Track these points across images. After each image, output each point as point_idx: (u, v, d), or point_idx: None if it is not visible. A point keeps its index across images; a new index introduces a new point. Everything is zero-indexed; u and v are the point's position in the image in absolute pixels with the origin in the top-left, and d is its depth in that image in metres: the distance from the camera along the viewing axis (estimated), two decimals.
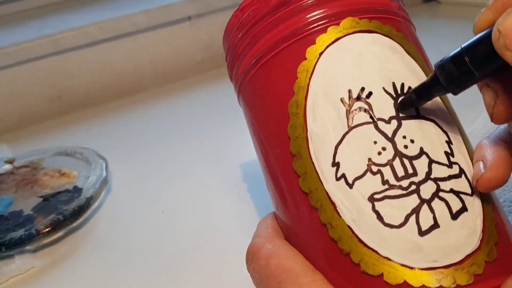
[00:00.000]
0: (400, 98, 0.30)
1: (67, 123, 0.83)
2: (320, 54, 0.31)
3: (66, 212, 0.55)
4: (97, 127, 0.80)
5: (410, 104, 0.30)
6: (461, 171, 0.29)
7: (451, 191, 0.28)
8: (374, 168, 0.29)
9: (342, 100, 0.30)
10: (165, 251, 0.50)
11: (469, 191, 0.29)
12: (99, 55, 0.85)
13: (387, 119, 0.30)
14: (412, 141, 0.29)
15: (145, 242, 0.52)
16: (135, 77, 0.88)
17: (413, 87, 0.31)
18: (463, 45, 0.27)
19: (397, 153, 0.29)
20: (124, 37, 0.86)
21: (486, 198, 0.30)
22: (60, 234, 0.54)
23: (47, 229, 0.53)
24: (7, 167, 0.67)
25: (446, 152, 0.30)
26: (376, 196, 0.28)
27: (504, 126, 0.31)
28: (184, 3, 0.87)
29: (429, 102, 0.31)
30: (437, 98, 0.32)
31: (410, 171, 0.28)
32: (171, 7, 0.86)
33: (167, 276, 0.47)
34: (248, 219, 0.51)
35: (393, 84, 0.31)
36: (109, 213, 0.58)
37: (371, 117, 0.30)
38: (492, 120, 0.29)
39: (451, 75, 0.28)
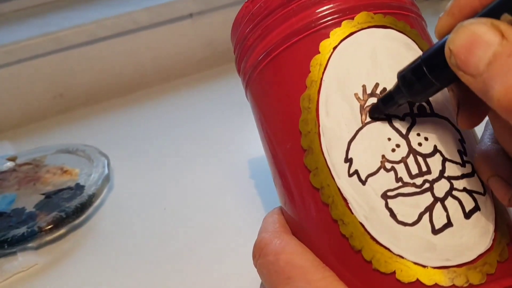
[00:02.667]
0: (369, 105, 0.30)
1: (69, 120, 0.82)
2: (334, 48, 0.31)
3: (69, 209, 0.54)
4: (99, 125, 0.80)
5: (378, 111, 0.30)
6: (474, 170, 0.29)
7: (464, 190, 0.28)
8: (388, 165, 0.28)
9: (356, 95, 0.30)
10: (167, 248, 0.50)
11: (482, 190, 0.29)
12: (100, 53, 0.85)
13: (401, 115, 0.29)
14: (426, 138, 0.29)
15: (148, 239, 0.52)
16: (137, 75, 0.88)
17: None
18: (422, 55, 0.27)
19: (411, 151, 0.28)
20: (126, 34, 0.85)
21: None
22: (62, 231, 0.54)
23: (49, 226, 0.52)
24: (10, 164, 0.66)
25: (459, 151, 0.29)
26: (389, 194, 0.28)
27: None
28: (186, 0, 0.86)
29: (442, 100, 0.30)
30: (449, 96, 0.31)
31: (424, 169, 0.28)
32: (173, 4, 0.86)
33: (170, 273, 0.47)
34: (255, 216, 0.51)
35: None
36: (111, 210, 0.58)
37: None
38: (457, 125, 0.29)
39: (412, 86, 0.27)
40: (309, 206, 0.31)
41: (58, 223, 0.53)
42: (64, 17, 0.87)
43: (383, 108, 0.29)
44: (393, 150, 0.28)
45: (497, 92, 0.21)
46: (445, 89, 0.31)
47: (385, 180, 0.28)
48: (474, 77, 0.23)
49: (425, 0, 0.96)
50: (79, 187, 0.59)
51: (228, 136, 0.68)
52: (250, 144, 0.62)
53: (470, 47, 0.23)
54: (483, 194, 0.29)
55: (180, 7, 0.87)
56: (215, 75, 0.89)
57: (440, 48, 0.25)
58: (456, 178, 0.28)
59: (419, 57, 0.27)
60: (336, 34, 0.31)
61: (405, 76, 0.28)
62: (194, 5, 0.87)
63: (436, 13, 0.92)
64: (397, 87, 0.28)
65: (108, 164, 0.63)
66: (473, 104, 0.27)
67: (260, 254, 0.32)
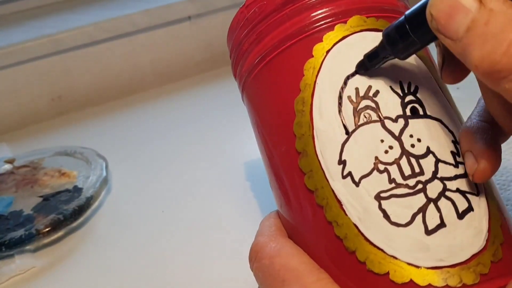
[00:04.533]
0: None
1: (67, 122, 0.82)
2: (327, 51, 0.31)
3: (66, 212, 0.54)
4: (97, 127, 0.80)
5: (364, 67, 0.30)
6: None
7: (457, 190, 0.28)
8: (381, 167, 0.28)
9: (349, 98, 0.30)
10: (165, 251, 0.50)
11: (475, 191, 0.29)
12: (99, 55, 0.85)
13: (394, 117, 0.29)
14: (419, 140, 0.29)
15: (145, 242, 0.52)
16: (135, 77, 0.88)
17: (420, 86, 0.31)
18: (406, 13, 0.27)
19: (404, 152, 0.29)
20: (124, 37, 0.85)
21: (491, 198, 0.30)
22: (60, 233, 0.54)
23: (47, 229, 0.52)
24: (7, 167, 0.66)
25: (452, 152, 0.29)
26: (382, 195, 0.28)
27: (482, 103, 0.31)
28: (184, 2, 0.86)
29: (435, 102, 0.31)
30: (444, 98, 0.32)
31: (417, 170, 0.28)
32: (171, 7, 0.86)
33: (168, 275, 0.47)
34: (251, 219, 0.51)
35: (400, 83, 0.30)
36: (109, 213, 0.58)
37: (378, 115, 0.29)
38: (441, 79, 0.30)
39: (396, 43, 0.28)
40: (304, 208, 0.31)
41: (56, 226, 0.53)
42: (63, 19, 0.87)
43: (369, 64, 0.30)
44: (386, 152, 0.29)
45: (475, 58, 0.22)
46: (439, 90, 0.32)
47: (378, 182, 0.28)
48: (454, 41, 0.23)
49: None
50: (77, 190, 0.59)
51: (226, 138, 0.68)
52: (248, 146, 0.62)
53: (450, 12, 0.23)
54: (477, 195, 0.29)
55: (178, 10, 0.87)
56: (213, 78, 0.89)
57: (422, 8, 0.26)
58: (449, 179, 0.28)
59: (404, 15, 0.27)
60: (329, 38, 0.31)
61: (389, 34, 0.28)
62: (193, 7, 0.87)
63: None
64: (381, 44, 0.29)
65: (106, 167, 0.63)
66: (457, 60, 0.28)
67: (256, 258, 0.32)
